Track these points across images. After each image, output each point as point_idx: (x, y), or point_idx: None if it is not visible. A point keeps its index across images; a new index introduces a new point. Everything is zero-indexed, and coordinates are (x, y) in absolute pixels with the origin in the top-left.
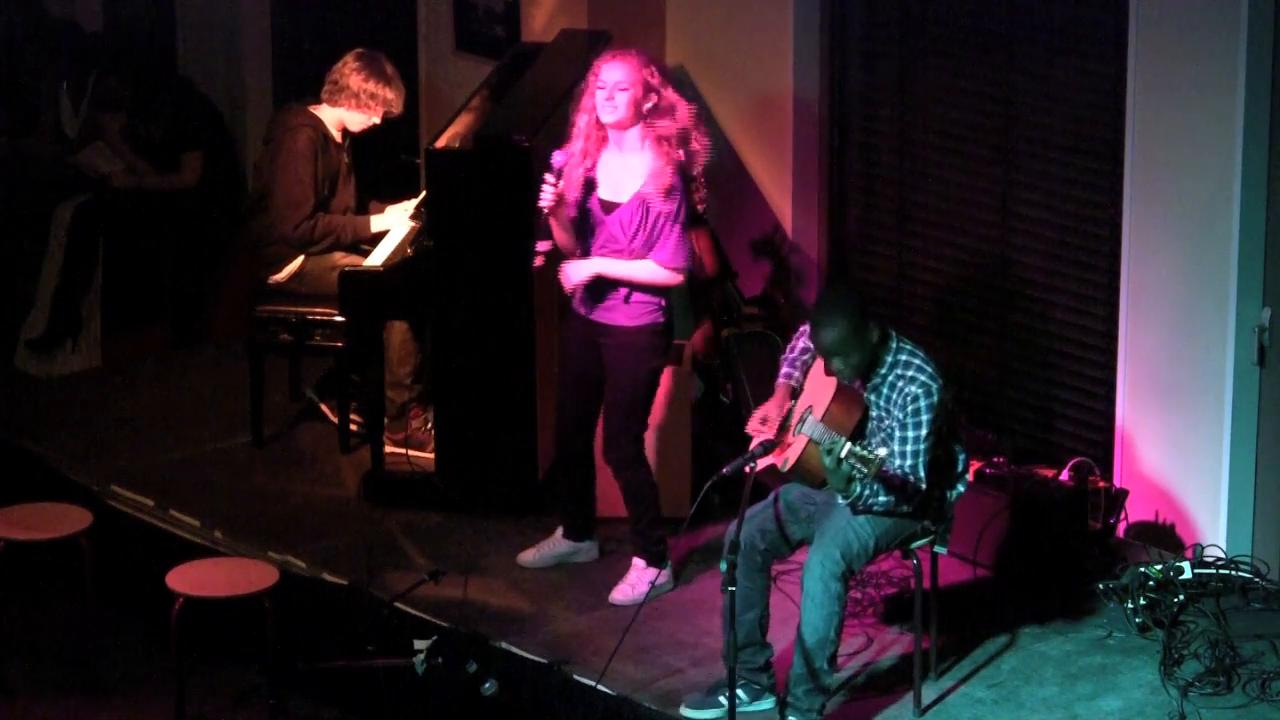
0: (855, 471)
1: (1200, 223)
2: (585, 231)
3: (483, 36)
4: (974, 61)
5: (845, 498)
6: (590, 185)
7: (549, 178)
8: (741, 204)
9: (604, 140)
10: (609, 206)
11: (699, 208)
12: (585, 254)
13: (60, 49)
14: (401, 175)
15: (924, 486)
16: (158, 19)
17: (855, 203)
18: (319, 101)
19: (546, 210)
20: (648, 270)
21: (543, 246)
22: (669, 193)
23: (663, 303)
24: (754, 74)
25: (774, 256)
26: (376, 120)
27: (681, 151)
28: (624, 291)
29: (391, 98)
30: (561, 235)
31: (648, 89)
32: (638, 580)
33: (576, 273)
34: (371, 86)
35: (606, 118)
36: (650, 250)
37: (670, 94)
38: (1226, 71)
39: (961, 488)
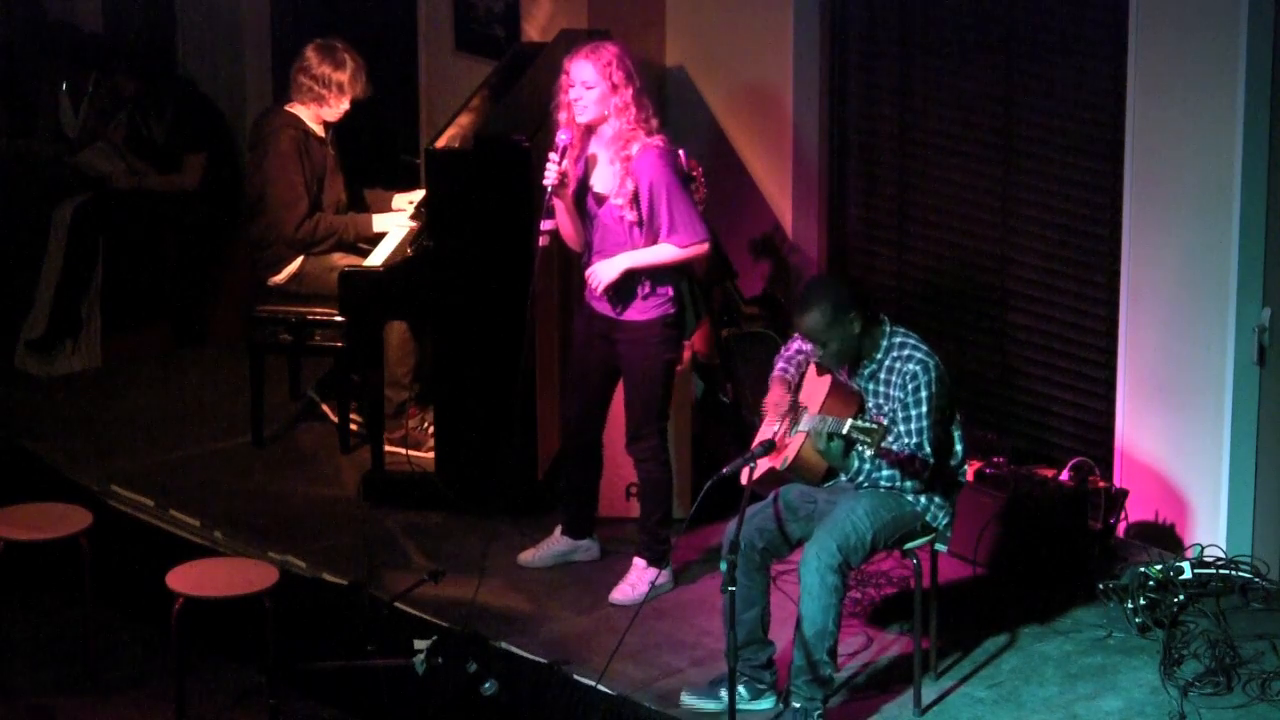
0: (858, 444)
1: (1200, 223)
2: (585, 225)
3: (483, 36)
4: (974, 61)
5: (846, 473)
6: (584, 179)
7: (553, 155)
8: (741, 204)
9: (590, 134)
10: (600, 199)
11: (699, 209)
12: (588, 244)
13: (60, 49)
14: (402, 175)
15: (931, 462)
16: (158, 19)
17: (855, 203)
18: (293, 101)
19: (550, 188)
20: (669, 253)
21: (547, 226)
22: (656, 174)
23: (672, 293)
24: (754, 74)
25: (774, 256)
26: (345, 105)
27: (664, 135)
28: (638, 286)
29: (344, 79)
30: (565, 219)
31: (615, 85)
32: (638, 580)
33: (606, 273)
34: (323, 72)
35: (579, 117)
36: (659, 234)
37: (636, 84)
38: (1226, 71)
39: (961, 480)
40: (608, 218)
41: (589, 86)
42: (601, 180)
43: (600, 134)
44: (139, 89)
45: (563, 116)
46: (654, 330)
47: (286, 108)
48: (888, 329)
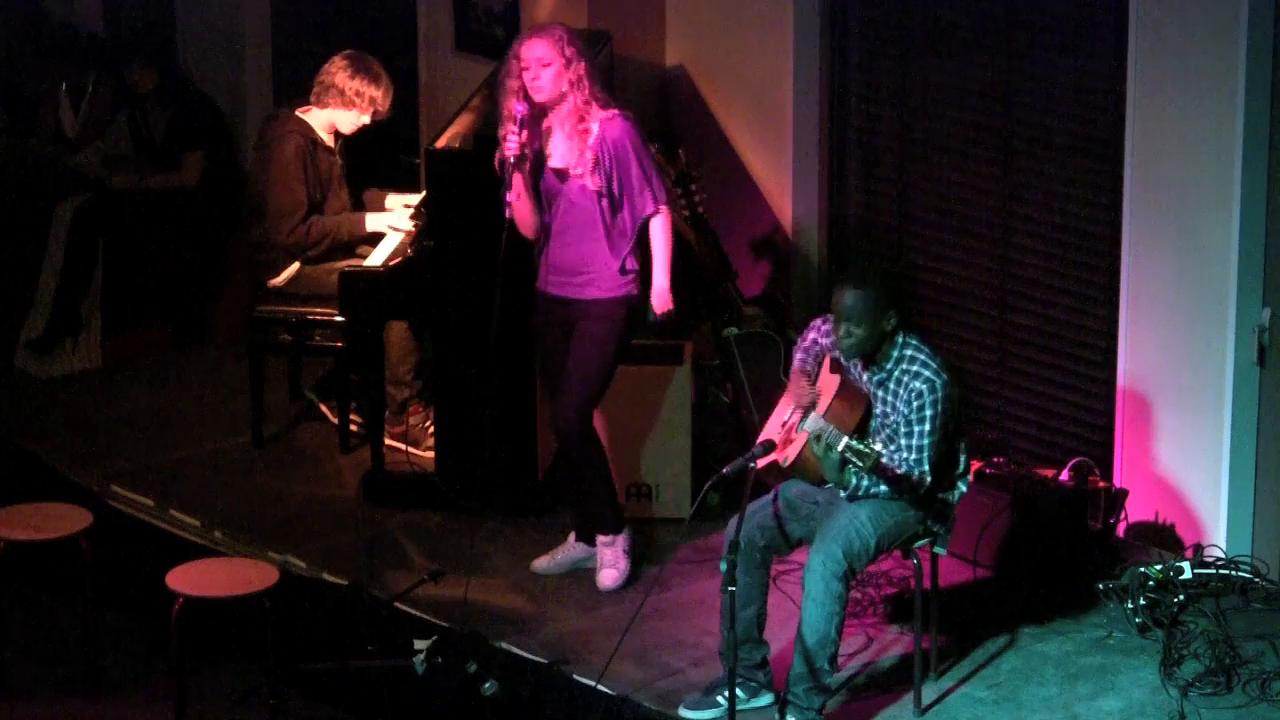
0: (851, 465)
1: (1200, 223)
2: (547, 204)
3: (483, 36)
4: (974, 61)
5: (845, 489)
6: (541, 161)
7: (511, 127)
8: (741, 204)
9: (543, 116)
10: (563, 175)
11: (699, 209)
12: (546, 226)
13: (60, 49)
14: (402, 175)
15: (928, 481)
16: (158, 19)
17: (855, 202)
18: (307, 104)
19: (511, 159)
20: (661, 236)
21: (512, 197)
22: (623, 141)
23: (637, 270)
24: (754, 74)
25: (774, 256)
26: (366, 120)
27: (618, 107)
28: (602, 264)
29: (378, 95)
30: (523, 196)
31: (569, 60)
32: (615, 558)
33: (664, 302)
34: (358, 84)
35: (536, 96)
36: (632, 207)
37: (588, 59)
38: (1226, 71)
39: (963, 487)
40: (574, 193)
41: (545, 64)
42: (560, 156)
43: (556, 112)
44: (153, 82)
45: (514, 101)
46: (616, 309)
47: (298, 112)
48: (900, 338)
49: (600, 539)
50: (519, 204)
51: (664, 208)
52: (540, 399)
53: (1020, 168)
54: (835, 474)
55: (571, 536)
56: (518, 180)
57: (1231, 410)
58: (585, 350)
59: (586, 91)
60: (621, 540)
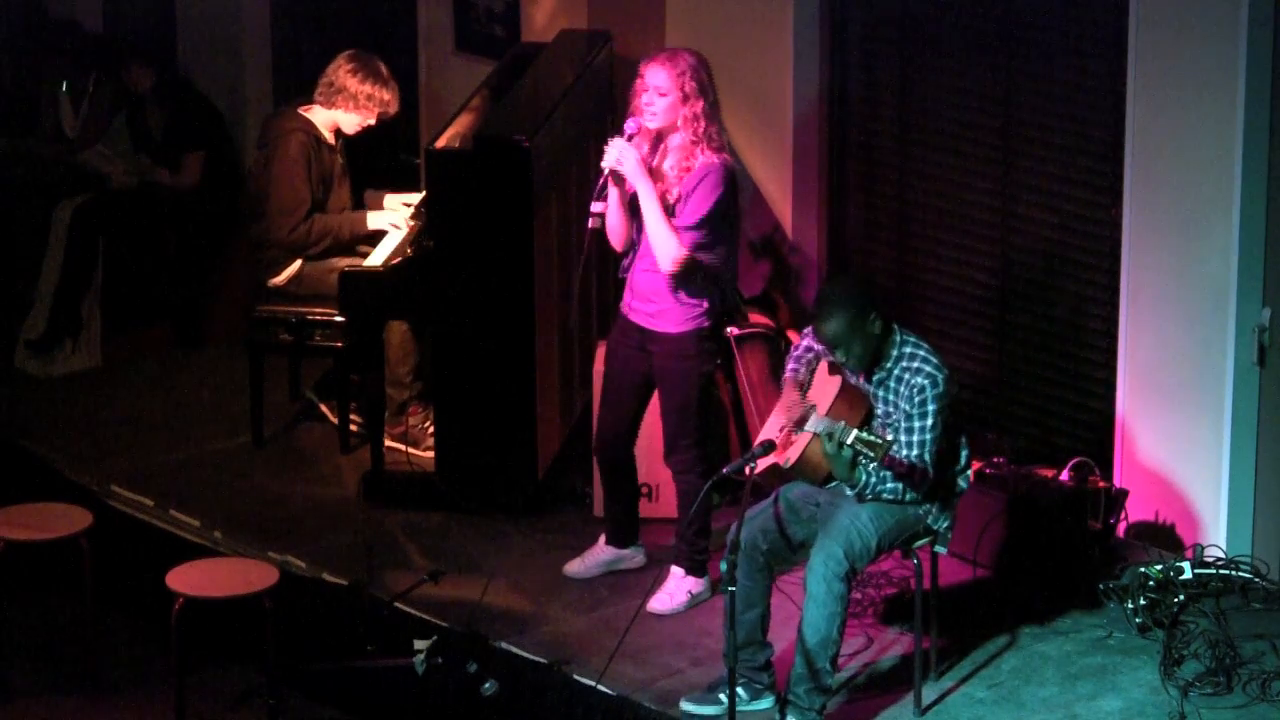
0: (862, 457)
1: (1200, 223)
2: (639, 225)
3: (483, 36)
4: (974, 61)
5: (852, 487)
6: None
7: (618, 140)
8: (741, 204)
9: (657, 143)
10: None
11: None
12: (636, 245)
13: (60, 49)
14: (401, 175)
15: (931, 475)
16: (158, 19)
17: (855, 203)
18: (312, 103)
19: (607, 170)
20: (663, 232)
21: (597, 208)
22: (707, 186)
23: (707, 306)
24: (754, 74)
25: (774, 256)
26: (371, 121)
27: (729, 157)
28: (672, 296)
29: (387, 98)
30: (616, 209)
31: (686, 95)
32: (676, 589)
33: (623, 154)
34: (368, 88)
35: (649, 123)
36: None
37: (709, 98)
38: (1226, 71)
39: (964, 483)
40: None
41: (662, 93)
42: (663, 190)
43: (668, 143)
44: (149, 81)
45: (629, 119)
46: (689, 344)
47: (301, 110)
48: (898, 337)
49: (675, 569)
50: (616, 210)
51: (677, 251)
52: (539, 398)
53: (1020, 168)
54: (846, 472)
55: (602, 539)
56: (614, 194)
57: (1231, 410)
58: (674, 391)
59: (698, 131)
60: (693, 583)
